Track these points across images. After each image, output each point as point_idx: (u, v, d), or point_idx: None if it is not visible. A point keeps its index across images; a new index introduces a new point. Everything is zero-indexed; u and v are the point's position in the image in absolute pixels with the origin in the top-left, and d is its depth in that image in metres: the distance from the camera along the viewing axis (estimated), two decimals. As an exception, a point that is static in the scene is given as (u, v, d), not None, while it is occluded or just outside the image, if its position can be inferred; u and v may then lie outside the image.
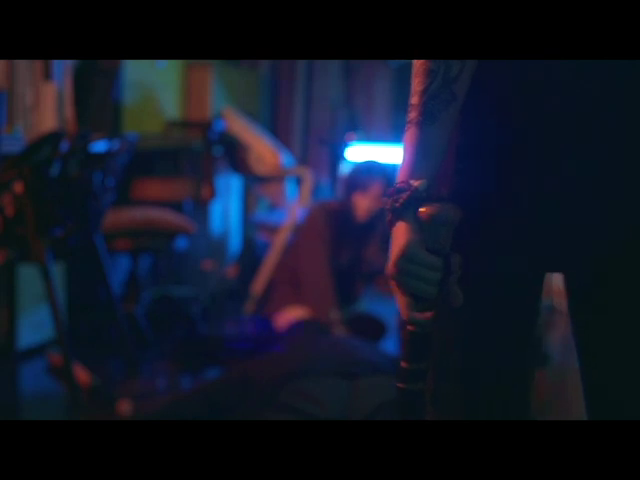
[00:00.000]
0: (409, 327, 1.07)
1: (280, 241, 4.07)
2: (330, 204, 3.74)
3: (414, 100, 1.08)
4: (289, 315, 3.49)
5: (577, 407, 2.78)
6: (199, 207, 4.25)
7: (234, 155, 4.36)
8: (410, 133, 1.06)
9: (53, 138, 2.88)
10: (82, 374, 2.99)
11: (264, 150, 4.29)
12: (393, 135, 5.13)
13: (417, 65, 1.12)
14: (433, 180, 1.05)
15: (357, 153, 4.84)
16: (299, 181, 4.46)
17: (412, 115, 1.07)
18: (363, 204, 3.57)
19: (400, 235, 1.04)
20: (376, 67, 4.99)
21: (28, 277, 3.30)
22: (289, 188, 4.47)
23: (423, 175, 1.04)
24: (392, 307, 3.94)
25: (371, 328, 3.70)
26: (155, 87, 4.21)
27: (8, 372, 3.20)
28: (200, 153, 4.15)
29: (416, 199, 1.03)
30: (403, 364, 1.10)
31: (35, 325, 3.41)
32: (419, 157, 1.05)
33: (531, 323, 1.22)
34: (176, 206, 4.04)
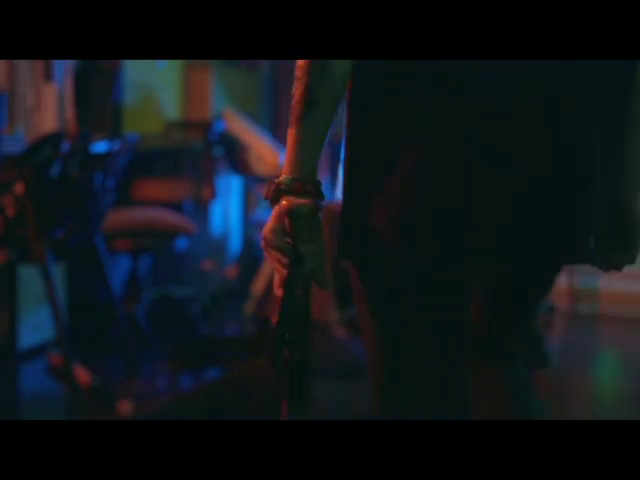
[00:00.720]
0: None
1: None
2: (331, 204, 3.74)
3: (292, 103, 1.17)
4: None
5: (577, 407, 2.78)
6: (199, 207, 4.25)
7: (234, 155, 4.36)
8: (288, 133, 1.17)
9: (54, 139, 2.88)
10: (82, 374, 2.99)
11: (264, 150, 4.29)
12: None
13: (295, 68, 1.19)
14: (306, 175, 1.17)
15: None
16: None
17: (290, 118, 1.18)
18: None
19: (268, 221, 1.20)
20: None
21: (29, 277, 3.30)
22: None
23: (295, 170, 1.17)
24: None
25: None
26: (155, 88, 4.22)
27: (9, 372, 3.20)
28: (200, 154, 4.16)
29: (280, 192, 1.17)
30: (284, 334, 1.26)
31: (35, 325, 3.42)
32: (292, 155, 1.18)
33: (460, 323, 1.25)
34: (176, 206, 4.04)
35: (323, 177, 5.17)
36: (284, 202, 1.17)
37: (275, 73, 5.09)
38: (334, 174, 4.48)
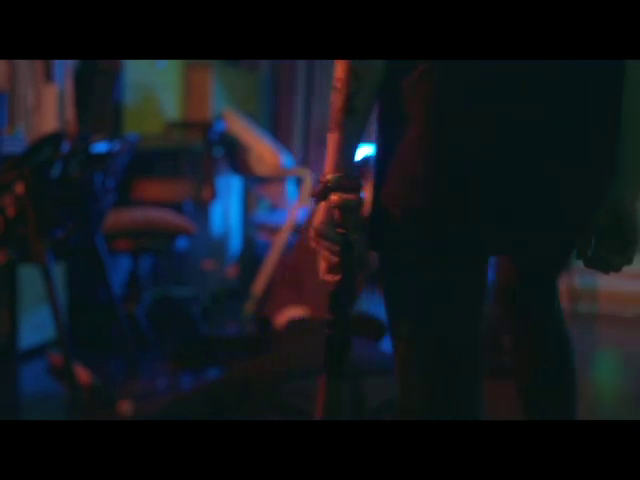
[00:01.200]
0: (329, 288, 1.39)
1: (280, 241, 4.08)
2: None
3: (331, 111, 1.34)
4: (288, 314, 3.50)
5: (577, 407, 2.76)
6: (199, 208, 4.25)
7: (234, 156, 4.36)
8: (329, 138, 1.34)
9: (54, 139, 2.88)
10: (83, 374, 3.00)
11: (264, 151, 4.29)
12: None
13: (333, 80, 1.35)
14: (348, 173, 1.34)
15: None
16: (299, 181, 4.46)
17: (330, 124, 1.34)
18: (366, 194, 3.58)
19: (317, 215, 1.35)
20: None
21: (29, 277, 3.30)
22: (289, 189, 4.48)
23: (338, 170, 1.33)
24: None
25: (371, 328, 3.70)
26: (155, 88, 4.22)
27: (9, 372, 3.20)
28: (200, 154, 4.16)
29: (328, 189, 1.33)
30: (328, 315, 1.40)
31: (36, 325, 3.42)
32: (335, 156, 1.34)
33: (478, 301, 1.38)
34: (176, 207, 4.05)
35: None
36: (334, 198, 1.33)
37: (275, 73, 5.09)
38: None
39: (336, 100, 1.32)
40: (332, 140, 1.34)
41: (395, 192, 1.34)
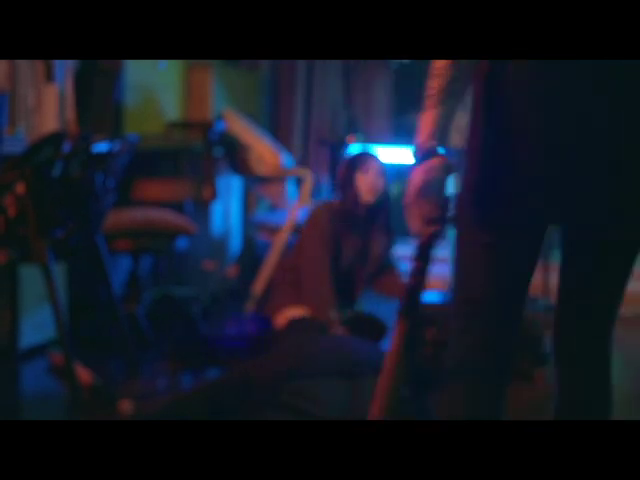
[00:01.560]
0: (421, 240, 1.62)
1: (280, 241, 4.08)
2: (333, 204, 3.74)
3: (429, 92, 1.57)
4: (288, 314, 3.50)
5: None
6: (200, 207, 4.26)
7: (234, 156, 4.36)
8: (426, 114, 1.58)
9: (55, 139, 2.88)
10: (83, 374, 3.00)
11: (264, 150, 4.30)
12: (393, 136, 5.14)
13: (431, 68, 1.56)
14: (438, 143, 1.58)
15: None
16: (299, 182, 4.47)
17: (427, 103, 1.57)
18: (367, 183, 3.58)
19: (416, 177, 1.58)
20: (376, 68, 5.00)
21: (30, 277, 3.31)
22: (289, 189, 4.48)
23: (432, 140, 1.58)
24: (391, 308, 3.94)
25: (371, 328, 3.70)
26: (156, 88, 4.23)
27: (10, 372, 3.21)
28: (201, 154, 4.17)
29: (429, 152, 1.57)
30: (415, 262, 1.63)
31: (37, 325, 3.43)
32: (431, 129, 1.58)
33: (532, 267, 1.63)
34: (177, 207, 4.05)
35: (323, 177, 5.16)
36: (438, 159, 1.57)
37: (275, 73, 5.10)
38: (334, 175, 4.47)
39: (434, 84, 1.56)
40: (429, 116, 1.58)
41: (483, 174, 1.56)
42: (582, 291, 1.70)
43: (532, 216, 1.55)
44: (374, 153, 3.71)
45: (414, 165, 1.59)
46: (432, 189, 1.57)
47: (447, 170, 1.58)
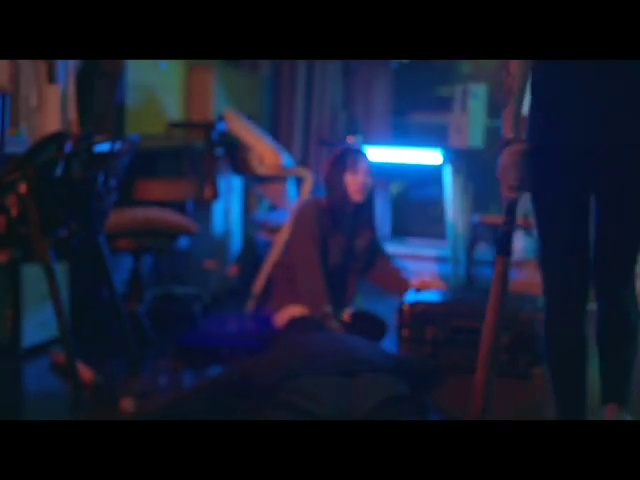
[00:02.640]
0: (507, 201, 2.23)
1: (281, 240, 4.10)
2: (320, 200, 3.74)
3: (508, 91, 2.13)
4: (288, 313, 3.51)
5: None
6: (201, 207, 4.27)
7: (235, 156, 4.38)
8: (507, 109, 2.14)
9: (57, 139, 2.90)
10: (85, 372, 3.01)
11: (265, 150, 4.31)
12: (393, 137, 5.15)
13: (506, 68, 2.09)
14: (515, 133, 2.16)
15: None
16: (299, 181, 4.48)
17: (507, 100, 2.14)
18: (356, 184, 3.59)
19: (503, 158, 2.17)
20: (376, 68, 5.01)
21: (32, 276, 3.33)
22: (289, 188, 4.49)
23: (512, 130, 2.16)
24: (389, 305, 3.96)
25: (372, 326, 3.72)
26: (157, 89, 4.24)
27: (13, 370, 3.22)
28: (202, 154, 4.18)
29: (508, 142, 2.17)
30: (506, 216, 2.24)
31: (39, 324, 3.44)
32: (510, 121, 2.16)
33: (585, 225, 2.22)
34: (178, 206, 4.07)
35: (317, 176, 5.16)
36: (519, 146, 2.16)
37: (276, 75, 5.12)
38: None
39: (512, 83, 2.10)
40: (509, 111, 2.14)
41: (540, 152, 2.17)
42: (612, 237, 2.22)
43: (575, 184, 2.17)
44: (362, 151, 3.70)
45: (501, 149, 2.17)
46: (514, 167, 2.15)
47: (523, 153, 2.15)
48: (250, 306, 4.02)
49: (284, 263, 3.67)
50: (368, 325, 3.70)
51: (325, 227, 3.57)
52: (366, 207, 3.66)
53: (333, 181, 3.60)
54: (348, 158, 3.61)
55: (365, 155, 3.65)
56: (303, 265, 3.53)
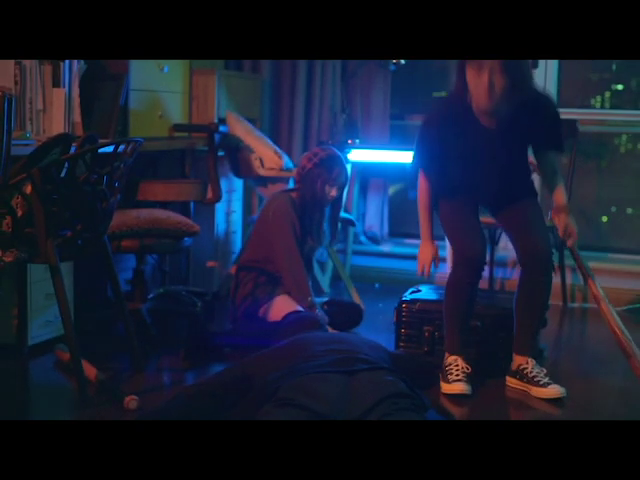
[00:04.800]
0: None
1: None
2: (291, 194, 3.80)
3: None
4: (282, 308, 3.55)
5: (575, 406, 2.79)
6: (204, 208, 4.30)
7: (237, 158, 4.41)
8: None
9: (62, 141, 2.91)
10: (89, 370, 3.02)
11: (266, 152, 4.34)
12: (391, 139, 5.18)
13: None
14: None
15: (356, 155, 4.90)
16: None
17: None
18: (330, 193, 3.70)
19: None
20: (374, 70, 5.04)
21: (38, 275, 3.36)
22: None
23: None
24: (388, 304, 3.97)
25: (349, 312, 3.82)
26: (161, 92, 4.28)
27: (19, 367, 3.25)
28: (205, 156, 4.21)
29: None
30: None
31: (44, 322, 3.47)
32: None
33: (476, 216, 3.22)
34: (182, 207, 4.10)
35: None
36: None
37: (276, 78, 5.15)
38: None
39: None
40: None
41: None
42: (512, 219, 3.18)
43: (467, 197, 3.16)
44: (344, 163, 3.76)
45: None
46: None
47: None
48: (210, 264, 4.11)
49: (254, 259, 3.72)
50: (346, 312, 3.80)
51: (300, 218, 3.68)
52: (335, 203, 3.82)
53: (309, 182, 3.69)
54: (332, 170, 3.68)
55: (346, 169, 3.75)
56: (288, 259, 3.59)
